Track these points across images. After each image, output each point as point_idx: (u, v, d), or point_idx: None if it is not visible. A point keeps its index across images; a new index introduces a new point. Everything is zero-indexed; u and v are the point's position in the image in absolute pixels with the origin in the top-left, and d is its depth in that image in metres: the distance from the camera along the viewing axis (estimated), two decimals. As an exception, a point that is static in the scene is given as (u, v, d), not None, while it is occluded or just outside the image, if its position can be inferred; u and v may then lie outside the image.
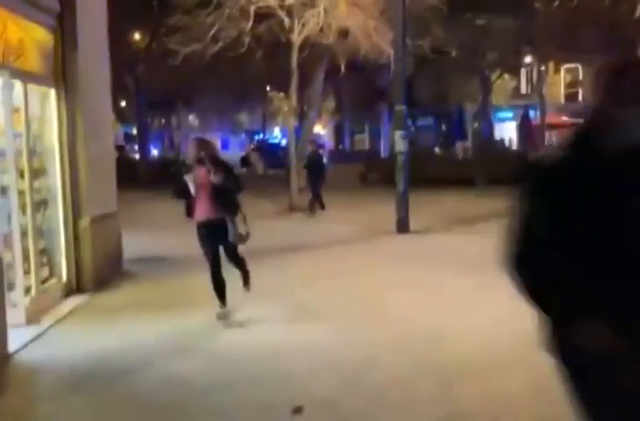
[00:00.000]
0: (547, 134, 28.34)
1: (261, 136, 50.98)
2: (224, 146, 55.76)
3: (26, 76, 6.61)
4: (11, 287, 6.06)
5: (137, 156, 32.74)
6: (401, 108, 12.03)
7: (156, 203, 17.63)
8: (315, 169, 15.42)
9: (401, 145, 12.04)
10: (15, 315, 5.92)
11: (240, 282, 6.57)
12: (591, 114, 2.10)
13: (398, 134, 12.04)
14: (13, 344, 5.40)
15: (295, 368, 4.87)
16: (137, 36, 27.79)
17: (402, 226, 11.98)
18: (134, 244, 10.24)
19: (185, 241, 11.24)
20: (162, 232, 12.04)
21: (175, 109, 48.51)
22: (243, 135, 51.72)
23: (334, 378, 4.66)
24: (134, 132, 43.43)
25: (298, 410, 3.97)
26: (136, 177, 25.23)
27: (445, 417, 4.00)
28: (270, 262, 9.09)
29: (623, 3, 11.06)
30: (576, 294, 2.00)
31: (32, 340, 5.61)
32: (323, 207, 15.41)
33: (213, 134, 58.05)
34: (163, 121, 56.21)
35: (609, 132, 2.01)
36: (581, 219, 2.00)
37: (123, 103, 41.41)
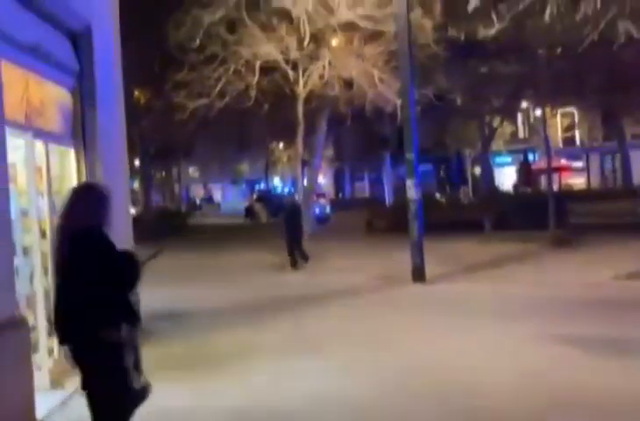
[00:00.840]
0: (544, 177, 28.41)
1: (262, 185, 51.20)
2: (225, 195, 55.96)
3: (47, 136, 6.60)
4: (35, 349, 5.90)
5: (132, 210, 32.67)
6: (411, 156, 12.07)
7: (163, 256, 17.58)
8: (293, 221, 14.94)
9: (413, 192, 12.01)
10: (39, 378, 5.74)
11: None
12: None
13: (410, 182, 12.03)
14: (39, 410, 5.21)
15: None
16: (141, 91, 28.18)
17: (418, 275, 11.84)
18: (145, 299, 10.09)
19: (195, 294, 11.26)
20: (172, 286, 11.89)
21: (176, 161, 48.83)
22: (243, 185, 51.96)
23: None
24: (134, 185, 43.67)
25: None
26: (139, 230, 25.14)
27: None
28: (283, 319, 8.90)
29: (627, 48, 11.22)
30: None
31: (58, 406, 5.41)
32: (306, 259, 14.72)
33: (213, 184, 58.45)
34: (164, 173, 56.55)
35: None
36: None
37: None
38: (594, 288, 10.08)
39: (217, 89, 16.00)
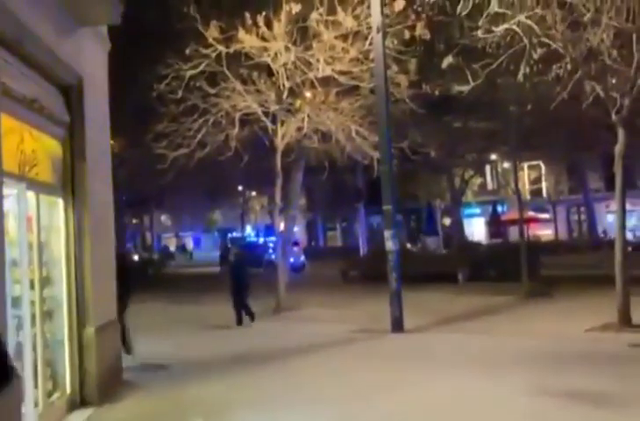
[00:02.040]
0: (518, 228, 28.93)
1: (235, 234, 51.12)
2: (197, 244, 55.66)
3: (39, 187, 6.69)
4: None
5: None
6: (389, 208, 12.31)
7: (140, 304, 17.39)
8: (238, 271, 14.05)
9: (391, 243, 12.20)
10: (24, 432, 5.68)
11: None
12: None
13: (388, 233, 12.23)
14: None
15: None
16: (117, 141, 28.36)
17: (397, 326, 11.93)
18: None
19: (176, 345, 11.15)
20: (152, 337, 11.78)
21: (148, 209, 48.72)
22: (215, 234, 51.87)
23: None
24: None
25: None
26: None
27: None
28: (262, 370, 8.88)
29: (594, 107, 11.74)
30: None
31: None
32: (252, 317, 13.54)
33: (185, 233, 58.16)
34: (134, 221, 56.24)
35: None
36: None
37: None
38: (570, 341, 10.24)
39: (197, 139, 16.18)
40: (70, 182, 7.55)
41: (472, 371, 8.27)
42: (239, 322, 13.39)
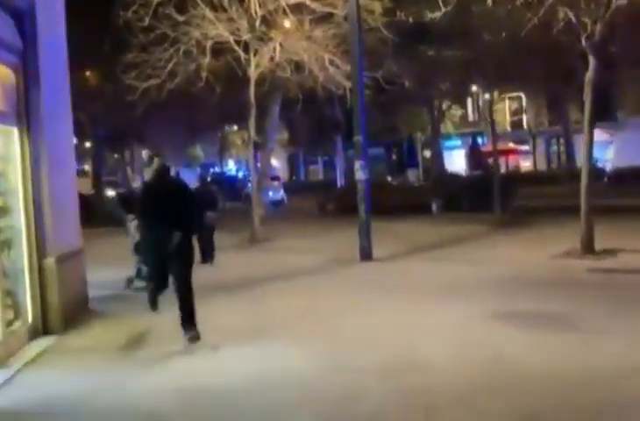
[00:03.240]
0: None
1: (216, 169, 50.87)
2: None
3: (-12, 115, 6.55)
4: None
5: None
6: (359, 138, 12.25)
7: (114, 238, 17.45)
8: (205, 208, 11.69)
9: (361, 173, 12.21)
10: (-18, 359, 5.80)
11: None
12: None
13: (358, 164, 12.22)
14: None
15: (273, 403, 4.85)
16: (91, 74, 27.74)
17: (365, 255, 12.09)
18: (100, 281, 10.11)
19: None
20: (122, 268, 11.88)
21: (128, 144, 48.13)
22: (197, 169, 51.51)
23: (316, 413, 4.66)
24: (85, 167, 42.95)
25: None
26: (91, 214, 24.85)
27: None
28: (234, 297, 9.06)
29: (566, 34, 11.55)
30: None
31: (1, 385, 5.46)
32: (212, 257, 12.30)
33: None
34: (116, 156, 55.67)
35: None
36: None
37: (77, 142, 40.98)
38: (533, 267, 10.45)
39: (168, 69, 15.83)
40: (25, 111, 7.40)
41: (431, 297, 8.44)
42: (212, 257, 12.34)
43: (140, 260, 9.46)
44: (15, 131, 7.28)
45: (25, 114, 7.38)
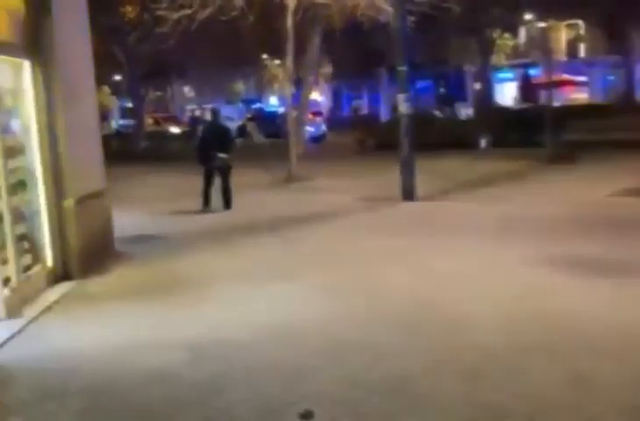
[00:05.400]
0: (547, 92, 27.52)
1: (258, 105, 50.04)
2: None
3: (-7, 46, 6.00)
4: (-12, 278, 5.59)
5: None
6: (403, 69, 11.39)
7: (153, 177, 17.15)
8: (204, 155, 11.20)
9: (404, 107, 11.42)
10: (-6, 308, 5.47)
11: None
12: None
13: (402, 96, 11.41)
14: (-8, 340, 4.96)
15: (299, 357, 4.40)
16: (126, 6, 26.94)
17: (408, 194, 11.45)
18: (130, 221, 9.77)
19: (183, 217, 10.90)
20: (159, 208, 11.54)
21: (170, 80, 47.57)
22: (240, 104, 50.71)
23: (344, 370, 4.18)
24: (130, 105, 42.67)
25: (307, 416, 3.47)
26: (132, 151, 24.63)
27: (472, 415, 3.53)
28: (272, 238, 8.63)
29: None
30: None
31: (11, 338, 5.11)
32: (207, 204, 11.23)
33: (208, 105, 57.09)
34: (158, 93, 55.26)
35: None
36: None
37: (118, 77, 40.57)
38: (590, 206, 9.70)
39: (199, -1, 14.98)
40: (35, 41, 6.84)
41: (481, 240, 7.84)
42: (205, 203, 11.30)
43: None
44: (26, 63, 6.75)
45: (36, 44, 6.82)
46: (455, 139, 20.25)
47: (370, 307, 5.52)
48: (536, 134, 17.35)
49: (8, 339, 5.10)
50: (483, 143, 20.61)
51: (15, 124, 6.56)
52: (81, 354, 4.72)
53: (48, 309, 5.87)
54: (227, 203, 11.35)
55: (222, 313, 5.53)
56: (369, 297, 5.80)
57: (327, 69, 45.60)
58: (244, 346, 4.70)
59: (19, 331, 5.28)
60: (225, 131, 11.80)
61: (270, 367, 4.30)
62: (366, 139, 24.10)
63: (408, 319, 5.14)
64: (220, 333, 5.01)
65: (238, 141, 33.35)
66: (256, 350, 4.62)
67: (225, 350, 4.65)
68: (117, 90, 44.33)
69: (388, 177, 13.08)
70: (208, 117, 13.52)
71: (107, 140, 22.21)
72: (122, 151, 23.12)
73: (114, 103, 49.14)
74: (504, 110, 26.68)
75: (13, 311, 5.60)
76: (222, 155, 11.19)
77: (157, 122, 41.94)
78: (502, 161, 16.40)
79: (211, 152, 11.17)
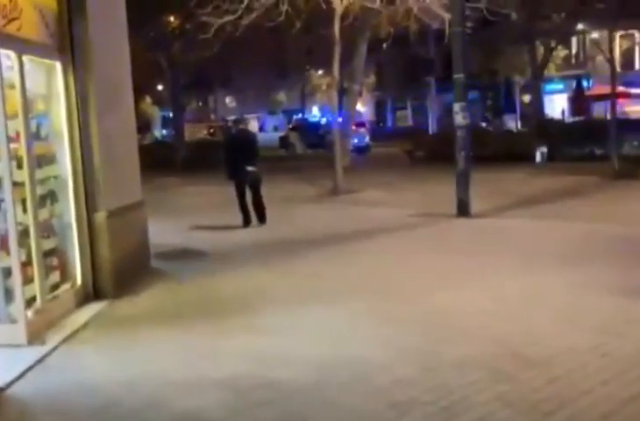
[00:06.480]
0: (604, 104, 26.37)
1: (300, 115, 49.65)
2: (261, 128, 54.18)
3: (22, 46, 5.48)
4: (9, 299, 5.05)
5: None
6: (460, 76, 10.68)
7: (192, 188, 16.68)
8: (233, 168, 10.44)
9: (461, 118, 10.69)
10: (13, 333, 4.92)
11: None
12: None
13: (458, 106, 10.68)
14: (9, 372, 4.39)
15: (365, 404, 3.72)
16: (170, 15, 26.76)
17: (463, 209, 10.71)
18: (167, 235, 9.22)
19: (222, 232, 10.29)
20: (198, 221, 10.99)
21: (212, 90, 47.52)
22: (281, 115, 50.46)
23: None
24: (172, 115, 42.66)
25: None
26: (173, 162, 24.27)
27: None
28: (321, 255, 7.97)
29: None
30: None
31: (30, 368, 4.54)
32: (247, 221, 10.47)
33: (250, 115, 56.95)
34: (200, 103, 55.37)
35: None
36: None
37: (160, 87, 40.57)
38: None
39: (245, 4, 14.48)
40: (69, 42, 6.34)
41: (541, 264, 7.06)
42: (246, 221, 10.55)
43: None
44: (58, 65, 6.25)
45: (70, 45, 6.32)
46: (509, 152, 19.46)
47: (440, 342, 4.80)
48: (596, 148, 16.45)
49: (27, 370, 4.53)
50: (539, 156, 19.74)
51: (46, 131, 6.06)
52: (106, 392, 4.11)
53: (74, 334, 5.29)
54: (262, 218, 10.57)
55: (271, 345, 4.88)
56: (436, 328, 5.08)
57: (370, 79, 45.05)
58: (299, 389, 4.03)
59: (40, 361, 4.71)
60: (249, 141, 10.71)
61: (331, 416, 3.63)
62: (415, 150, 23.42)
63: (469, 353, 4.41)
64: (270, 371, 4.34)
65: (280, 152, 33.08)
66: (315, 394, 3.94)
67: (276, 392, 3.99)
68: (159, 100, 44.36)
69: (439, 190, 12.40)
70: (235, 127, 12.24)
71: (148, 150, 21.81)
72: (162, 160, 22.74)
73: (156, 113, 49.25)
74: (558, 123, 25.75)
75: (36, 337, 5.04)
76: (250, 168, 10.38)
77: (210, 132, 41.14)
78: (562, 176, 15.52)
79: (239, 165, 10.33)
